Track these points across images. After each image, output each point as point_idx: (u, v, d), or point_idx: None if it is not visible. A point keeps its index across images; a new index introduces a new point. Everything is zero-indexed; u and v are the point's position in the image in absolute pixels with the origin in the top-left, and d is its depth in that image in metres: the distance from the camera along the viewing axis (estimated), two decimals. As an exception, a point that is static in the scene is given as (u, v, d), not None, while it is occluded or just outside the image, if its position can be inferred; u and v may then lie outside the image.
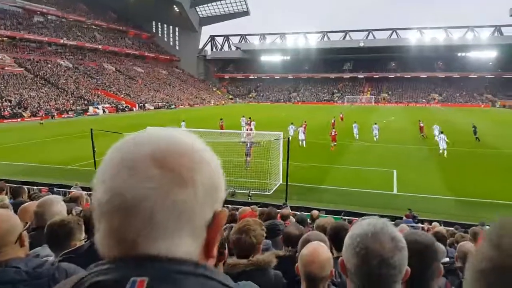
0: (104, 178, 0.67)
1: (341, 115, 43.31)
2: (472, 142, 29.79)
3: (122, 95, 72.53)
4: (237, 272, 2.57)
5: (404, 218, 11.79)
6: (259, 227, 3.17)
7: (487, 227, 9.34)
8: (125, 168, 0.65)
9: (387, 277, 1.30)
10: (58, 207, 3.39)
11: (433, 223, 10.41)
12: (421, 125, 33.41)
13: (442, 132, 26.50)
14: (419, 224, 11.68)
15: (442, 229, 6.40)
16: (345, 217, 12.13)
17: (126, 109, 65.60)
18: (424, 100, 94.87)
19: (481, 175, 19.49)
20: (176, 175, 0.65)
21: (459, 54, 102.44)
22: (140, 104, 70.05)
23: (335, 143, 27.11)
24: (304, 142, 27.53)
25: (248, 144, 20.44)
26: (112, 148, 0.71)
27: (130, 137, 0.72)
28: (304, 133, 28.24)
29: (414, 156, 24.76)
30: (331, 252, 3.13)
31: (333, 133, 27.41)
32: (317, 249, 2.21)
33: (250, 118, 35.85)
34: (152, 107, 72.32)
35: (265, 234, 3.14)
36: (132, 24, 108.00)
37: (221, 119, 35.09)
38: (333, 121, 36.07)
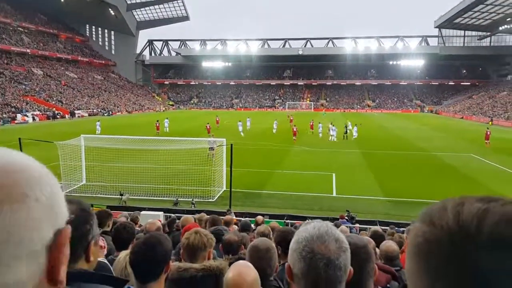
0: None
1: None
2: (402, 146, 31.63)
3: (54, 102, 68.58)
4: (189, 277, 2.53)
5: (340, 219, 12.19)
6: (209, 232, 3.17)
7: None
8: None
9: (334, 278, 1.33)
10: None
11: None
12: (292, 121, 41.73)
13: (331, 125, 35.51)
14: (357, 225, 12.20)
15: (378, 228, 6.71)
16: (288, 220, 12.38)
17: (58, 116, 62.16)
18: (359, 106, 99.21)
19: (411, 176, 20.73)
20: (5, 192, 0.60)
21: (390, 63, 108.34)
22: (73, 111, 66.52)
23: (295, 137, 33.75)
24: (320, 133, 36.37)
25: (211, 141, 22.05)
26: None
27: None
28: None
29: (350, 159, 25.79)
30: (279, 258, 3.18)
31: (294, 129, 34.40)
32: (243, 272, 2.08)
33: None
34: (87, 114, 69.09)
35: (215, 239, 3.13)
36: (64, 27, 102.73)
37: (157, 121, 38.59)
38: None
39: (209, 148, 22.29)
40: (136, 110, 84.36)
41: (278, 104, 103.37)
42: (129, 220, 8.13)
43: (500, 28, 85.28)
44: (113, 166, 19.25)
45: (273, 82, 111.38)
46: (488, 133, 32.65)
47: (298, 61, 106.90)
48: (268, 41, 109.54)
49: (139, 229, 7.24)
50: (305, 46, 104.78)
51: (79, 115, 67.11)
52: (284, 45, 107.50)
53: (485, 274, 0.54)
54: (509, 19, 78.61)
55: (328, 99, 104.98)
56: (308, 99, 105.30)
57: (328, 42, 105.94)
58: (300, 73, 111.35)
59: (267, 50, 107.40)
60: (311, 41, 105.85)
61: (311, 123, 40.81)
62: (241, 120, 40.11)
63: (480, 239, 0.56)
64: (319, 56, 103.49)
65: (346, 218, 12.45)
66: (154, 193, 16.73)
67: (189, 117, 64.48)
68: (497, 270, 0.53)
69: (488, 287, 0.54)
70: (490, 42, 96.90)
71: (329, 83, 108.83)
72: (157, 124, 38.25)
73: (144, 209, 13.43)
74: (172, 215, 11.80)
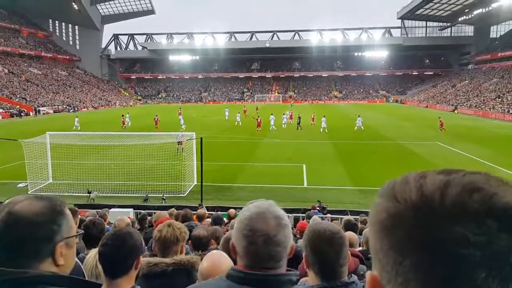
0: None
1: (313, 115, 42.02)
2: (370, 135, 32.32)
3: (17, 99, 66.12)
4: (160, 271, 2.50)
5: (312, 210, 12.33)
6: (183, 225, 3.13)
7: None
8: None
9: (273, 253, 1.37)
10: None
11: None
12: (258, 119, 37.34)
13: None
14: (328, 215, 12.38)
15: (350, 217, 6.86)
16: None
17: (23, 114, 59.86)
18: (326, 98, 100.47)
19: (379, 165, 21.13)
20: None
21: (355, 54, 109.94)
22: (37, 109, 64.23)
23: (259, 128, 34.83)
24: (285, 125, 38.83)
25: (180, 135, 22.43)
26: None
27: None
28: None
29: (320, 150, 26.13)
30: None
31: (258, 120, 35.57)
32: (217, 261, 2.05)
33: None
34: (52, 111, 66.95)
35: (188, 233, 3.07)
36: (26, 22, 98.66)
37: (122, 116, 40.12)
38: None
39: (178, 142, 22.32)
40: (102, 106, 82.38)
41: (247, 96, 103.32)
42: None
43: (459, 19, 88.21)
44: (81, 163, 18.79)
45: (241, 75, 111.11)
46: (441, 120, 35.33)
47: (266, 53, 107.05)
48: (235, 34, 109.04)
49: (108, 227, 7.13)
50: (271, 38, 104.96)
51: (44, 112, 64.96)
52: (251, 38, 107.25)
53: (452, 245, 0.54)
54: (467, 10, 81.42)
55: (296, 91, 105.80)
56: (276, 91, 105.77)
57: (294, 34, 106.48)
58: (267, 66, 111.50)
59: (234, 43, 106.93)
60: (278, 33, 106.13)
61: (313, 116, 40.87)
62: (182, 115, 42.07)
63: (444, 210, 0.56)
64: (286, 49, 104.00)
65: (318, 208, 12.62)
66: (123, 190, 16.45)
67: (154, 112, 63.46)
68: (462, 240, 0.53)
69: (455, 258, 0.54)
70: (451, 32, 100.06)
71: (296, 75, 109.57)
72: (123, 119, 39.49)
73: (114, 206, 13.20)
74: (143, 211, 11.66)
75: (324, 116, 36.52)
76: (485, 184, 0.57)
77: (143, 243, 3.48)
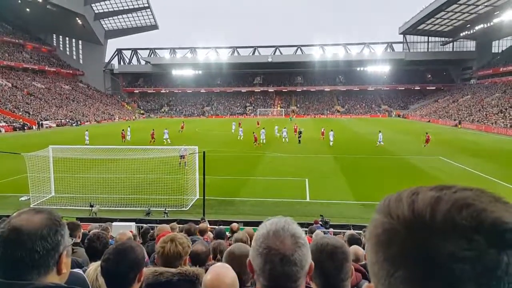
0: None
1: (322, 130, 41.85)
2: (373, 150, 32.26)
3: (20, 113, 66.63)
4: (165, 280, 2.48)
5: (314, 224, 12.25)
6: (186, 239, 3.10)
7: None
8: None
9: (290, 273, 1.32)
10: None
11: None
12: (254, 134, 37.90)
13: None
14: (331, 229, 12.30)
15: (353, 232, 6.80)
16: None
17: (26, 128, 60.20)
18: (328, 112, 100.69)
19: (382, 179, 21.05)
20: None
21: (357, 69, 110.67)
22: (40, 122, 64.62)
23: (256, 142, 35.54)
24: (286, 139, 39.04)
25: (182, 149, 22.44)
26: None
27: None
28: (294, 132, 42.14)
29: (322, 164, 26.06)
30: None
31: (255, 135, 36.33)
32: (221, 273, 2.05)
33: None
34: (54, 125, 67.32)
35: (191, 246, 3.05)
36: (30, 37, 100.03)
37: (122, 130, 41.15)
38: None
39: (180, 156, 22.27)
40: (105, 120, 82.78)
41: (250, 111, 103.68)
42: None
43: (461, 34, 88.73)
44: (83, 177, 18.80)
45: (243, 89, 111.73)
46: (428, 136, 34.95)
47: (268, 68, 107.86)
48: (238, 49, 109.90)
49: (111, 240, 7.09)
50: (274, 53, 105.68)
51: (47, 126, 65.35)
52: (253, 53, 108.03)
53: (442, 260, 0.55)
54: (468, 25, 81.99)
55: (298, 105, 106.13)
56: (279, 105, 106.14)
57: (297, 49, 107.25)
58: (270, 80, 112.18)
59: (237, 57, 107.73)
60: (280, 48, 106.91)
61: (323, 130, 41.26)
62: (167, 128, 41.34)
63: (434, 226, 0.57)
64: (289, 63, 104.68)
65: (320, 223, 12.53)
66: (126, 204, 16.41)
67: (155, 126, 63.73)
68: (452, 255, 0.55)
69: (445, 273, 0.55)
70: (453, 47, 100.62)
71: (299, 89, 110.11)
72: (123, 133, 40.45)
73: (116, 220, 13.14)
74: (145, 225, 11.61)
75: (332, 130, 36.84)
76: (476, 201, 0.58)
77: (146, 256, 3.45)
